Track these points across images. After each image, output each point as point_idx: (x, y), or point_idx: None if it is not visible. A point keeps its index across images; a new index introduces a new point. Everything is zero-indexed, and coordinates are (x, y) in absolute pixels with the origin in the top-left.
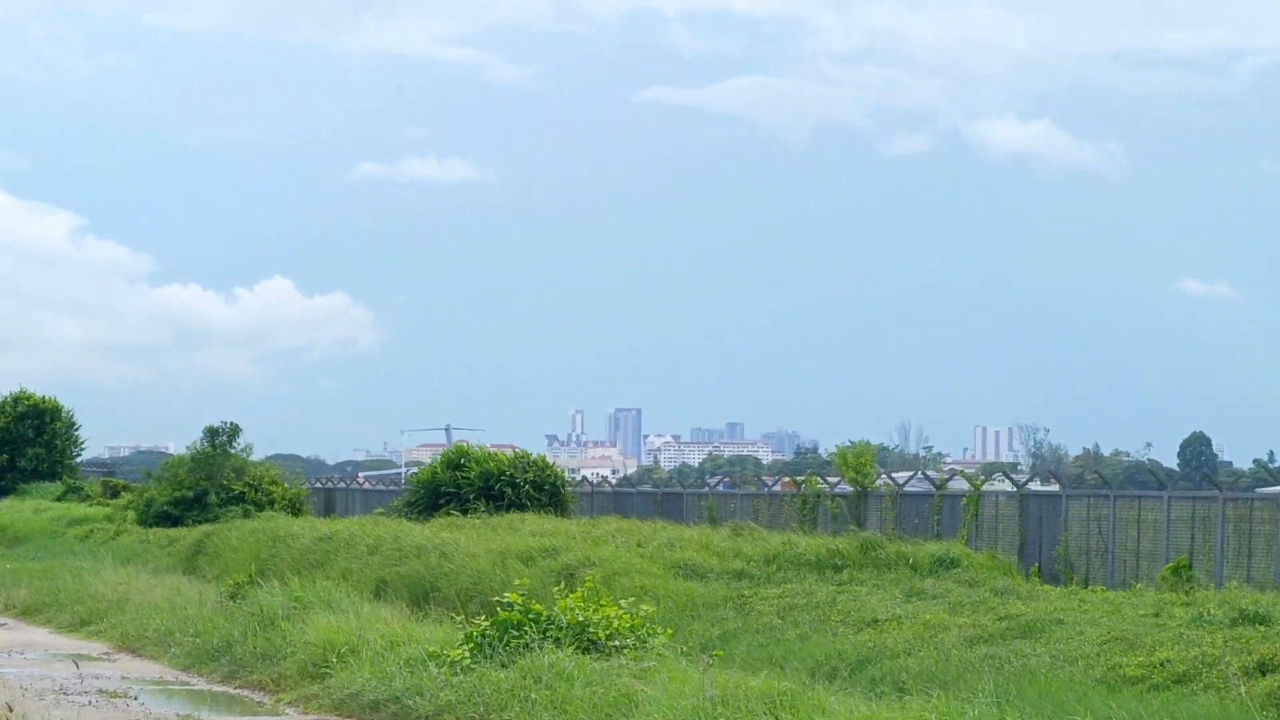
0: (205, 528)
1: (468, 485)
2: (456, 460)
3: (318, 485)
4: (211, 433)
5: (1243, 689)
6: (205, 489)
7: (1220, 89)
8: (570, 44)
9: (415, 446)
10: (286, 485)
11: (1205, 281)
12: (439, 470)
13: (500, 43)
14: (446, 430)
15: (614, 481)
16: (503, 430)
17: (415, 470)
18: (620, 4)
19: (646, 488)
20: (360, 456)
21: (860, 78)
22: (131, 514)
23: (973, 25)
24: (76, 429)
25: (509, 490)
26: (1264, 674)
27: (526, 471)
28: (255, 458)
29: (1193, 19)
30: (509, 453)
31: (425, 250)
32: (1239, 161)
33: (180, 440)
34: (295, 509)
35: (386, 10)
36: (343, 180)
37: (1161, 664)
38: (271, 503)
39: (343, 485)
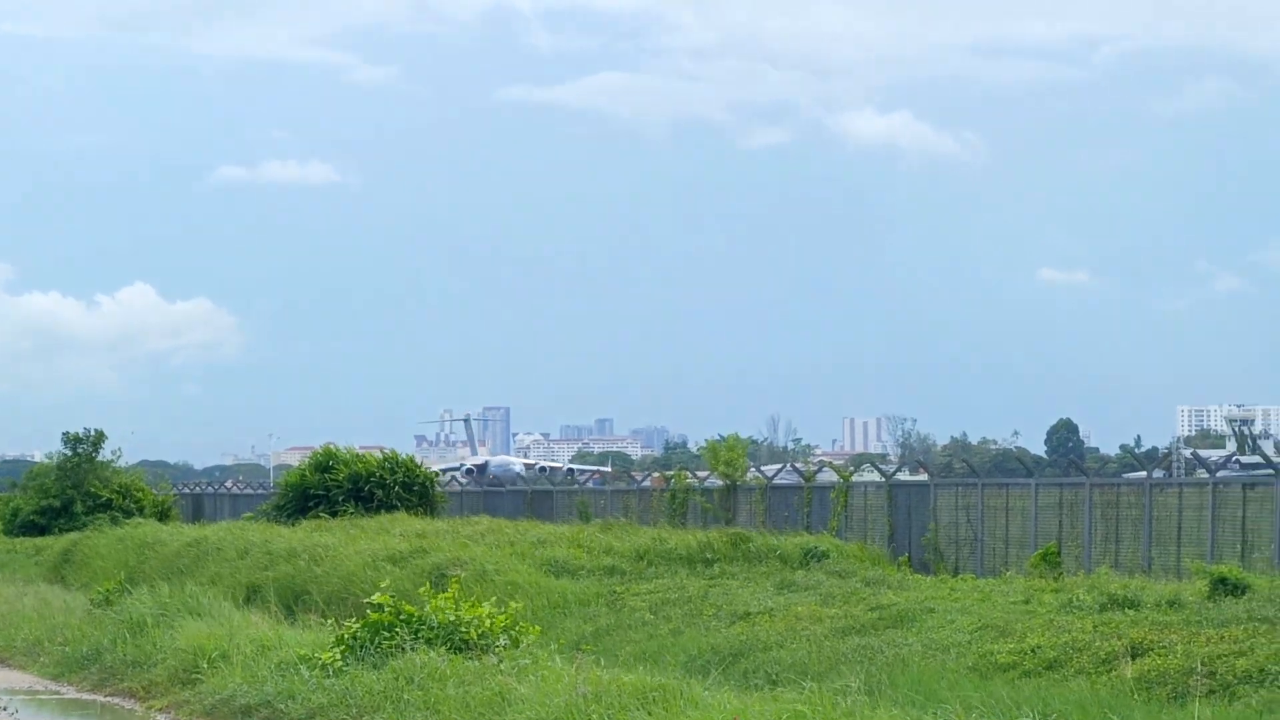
0: (73, 536)
1: (337, 487)
2: (325, 463)
3: (186, 491)
4: (74, 440)
5: (1128, 671)
6: (72, 497)
7: (1076, 78)
8: (429, 44)
9: (284, 450)
10: (154, 491)
11: (1064, 270)
12: (308, 473)
13: (359, 44)
14: (466, 421)
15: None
16: (371, 431)
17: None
18: (478, 3)
19: (516, 486)
20: (229, 461)
21: (720, 72)
22: None
23: (831, 18)
24: None
25: (378, 491)
26: (1134, 657)
27: (395, 472)
28: (122, 464)
29: (1048, 8)
30: (377, 454)
31: (288, 254)
32: (1096, 150)
33: (46, 449)
34: (163, 515)
35: (244, 12)
36: (203, 184)
37: (1032, 650)
38: (140, 509)
39: (211, 490)
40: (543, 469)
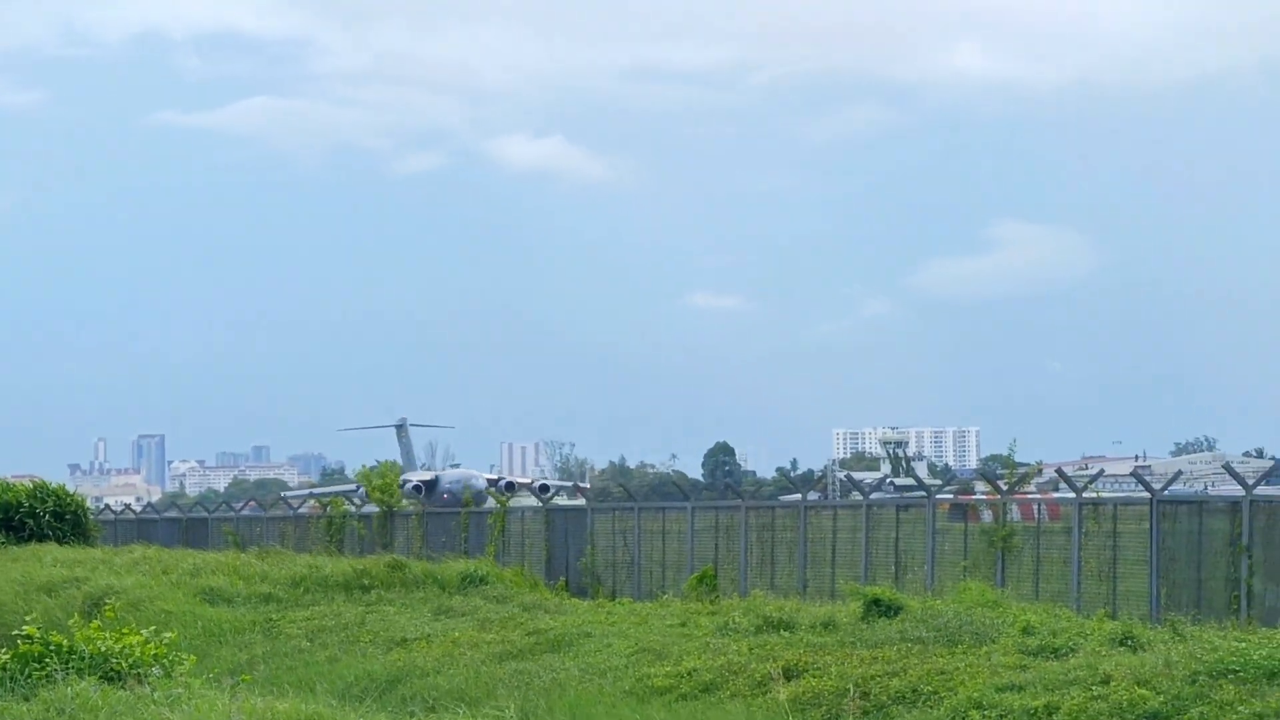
0: None
1: None
2: None
3: None
4: None
5: (782, 694)
6: None
7: (729, 103)
8: (78, 68)
9: None
10: None
11: (716, 294)
12: None
13: (5, 67)
14: (399, 428)
15: (138, 509)
16: (22, 460)
17: None
18: (127, 27)
19: (171, 514)
20: None
21: (372, 98)
22: None
23: (484, 43)
24: None
25: (30, 521)
26: (789, 679)
27: (46, 501)
28: None
29: (700, 33)
30: (28, 483)
31: None
32: (748, 174)
33: None
34: None
35: None
36: None
37: (689, 673)
38: None
39: None
40: (510, 484)
